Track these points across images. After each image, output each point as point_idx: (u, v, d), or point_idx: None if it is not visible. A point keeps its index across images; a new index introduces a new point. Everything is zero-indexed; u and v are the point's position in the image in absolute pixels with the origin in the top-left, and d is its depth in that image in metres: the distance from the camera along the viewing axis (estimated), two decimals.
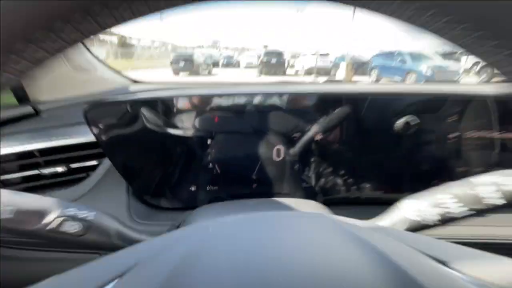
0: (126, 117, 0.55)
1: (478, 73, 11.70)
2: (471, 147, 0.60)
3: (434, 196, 0.38)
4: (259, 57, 13.64)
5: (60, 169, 0.60)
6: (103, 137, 0.54)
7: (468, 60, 13.64)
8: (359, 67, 13.17)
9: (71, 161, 0.62)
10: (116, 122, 0.54)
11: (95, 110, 0.53)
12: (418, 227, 0.38)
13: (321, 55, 12.94)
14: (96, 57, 1.03)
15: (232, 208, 0.52)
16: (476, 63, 13.35)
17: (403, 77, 9.80)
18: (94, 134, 0.53)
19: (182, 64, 13.16)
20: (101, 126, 0.53)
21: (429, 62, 9.87)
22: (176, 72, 13.03)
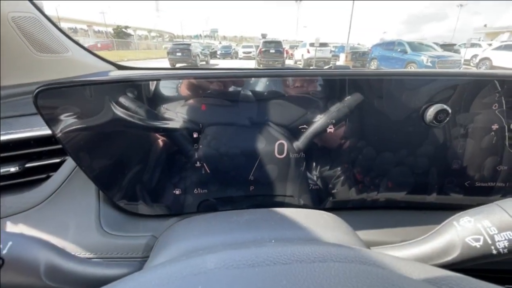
0: (92, 103, 0.43)
1: (477, 65, 11.56)
2: None
3: (502, 214, 0.27)
4: (257, 47, 13.40)
5: (13, 168, 0.49)
6: (62, 129, 0.42)
7: (467, 52, 13.50)
8: (359, 57, 13.03)
9: (29, 158, 0.51)
10: (78, 110, 0.42)
11: (49, 93, 0.41)
12: (476, 256, 0.28)
13: (320, 44, 12.76)
14: (74, 40, 0.91)
15: (217, 222, 0.42)
16: (475, 55, 13.23)
17: (403, 68, 9.65)
18: (49, 126, 0.42)
19: (179, 54, 12.93)
20: (58, 114, 0.42)
21: (429, 52, 9.73)
22: (173, 63, 12.80)
